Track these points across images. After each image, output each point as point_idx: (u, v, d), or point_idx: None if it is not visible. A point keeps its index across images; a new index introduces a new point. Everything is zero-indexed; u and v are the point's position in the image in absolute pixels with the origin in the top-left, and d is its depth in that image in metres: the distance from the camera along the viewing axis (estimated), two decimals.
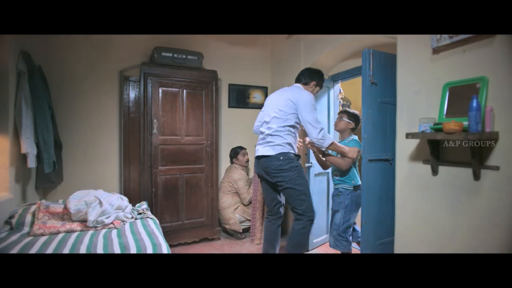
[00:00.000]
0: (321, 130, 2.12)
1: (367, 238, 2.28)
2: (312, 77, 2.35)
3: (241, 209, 3.35)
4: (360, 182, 2.35)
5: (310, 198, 2.20)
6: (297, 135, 2.26)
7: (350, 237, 2.39)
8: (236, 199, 3.36)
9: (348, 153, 2.29)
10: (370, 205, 2.29)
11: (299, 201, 2.15)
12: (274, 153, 2.14)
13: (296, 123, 2.19)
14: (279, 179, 2.16)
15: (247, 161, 3.54)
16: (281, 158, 2.12)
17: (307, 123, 2.12)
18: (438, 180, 1.77)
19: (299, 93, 2.19)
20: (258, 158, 2.26)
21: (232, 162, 3.54)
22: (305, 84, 2.35)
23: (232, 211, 3.30)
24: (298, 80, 2.39)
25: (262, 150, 2.21)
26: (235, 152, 3.51)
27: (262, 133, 2.27)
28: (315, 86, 2.37)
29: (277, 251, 2.36)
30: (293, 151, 2.19)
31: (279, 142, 2.14)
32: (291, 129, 2.18)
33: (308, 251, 2.94)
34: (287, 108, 2.16)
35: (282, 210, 2.38)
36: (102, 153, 3.04)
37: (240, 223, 3.29)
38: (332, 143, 2.17)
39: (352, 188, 2.36)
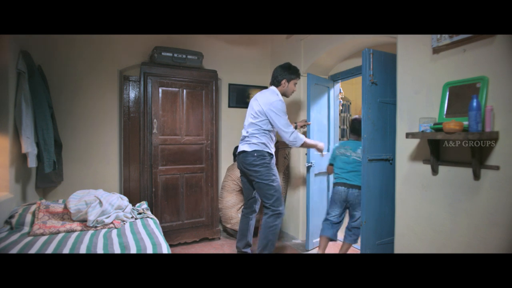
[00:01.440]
0: (292, 133, 2.37)
1: (367, 238, 2.29)
2: (281, 76, 2.48)
3: None
4: (336, 180, 2.64)
5: (279, 194, 2.40)
6: (273, 135, 2.48)
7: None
8: (240, 197, 3.34)
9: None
10: (370, 205, 2.29)
11: (268, 195, 2.37)
12: (250, 150, 2.39)
13: (271, 127, 2.42)
14: (252, 173, 2.40)
15: None
16: (255, 154, 2.37)
17: (279, 129, 2.38)
18: (438, 179, 1.77)
19: (269, 101, 2.38)
20: (238, 154, 2.51)
21: (235, 160, 3.52)
22: (277, 85, 2.50)
23: (235, 210, 3.29)
24: (271, 83, 2.55)
25: (241, 147, 2.47)
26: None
27: (242, 134, 2.53)
28: (287, 83, 2.49)
29: (249, 240, 2.60)
30: (267, 150, 2.40)
31: (254, 141, 2.39)
32: (266, 131, 2.41)
33: (309, 250, 2.94)
34: (261, 115, 2.39)
35: (256, 206, 2.61)
36: (102, 153, 3.04)
37: None
38: (303, 143, 2.43)
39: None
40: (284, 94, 2.53)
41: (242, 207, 2.67)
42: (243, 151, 2.42)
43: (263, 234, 2.38)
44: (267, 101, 2.38)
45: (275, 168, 2.43)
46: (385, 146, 2.34)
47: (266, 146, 2.40)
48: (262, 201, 2.43)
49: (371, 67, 2.24)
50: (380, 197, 2.32)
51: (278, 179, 2.42)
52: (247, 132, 2.44)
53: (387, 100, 2.32)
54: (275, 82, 2.50)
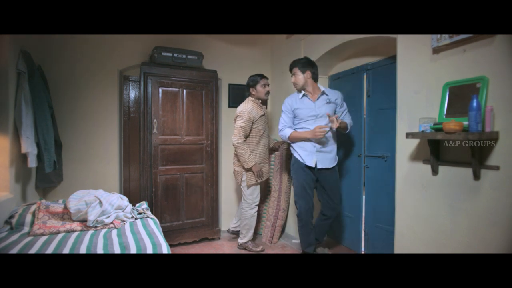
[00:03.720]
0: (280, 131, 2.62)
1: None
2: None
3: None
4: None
5: (295, 196, 2.60)
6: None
7: None
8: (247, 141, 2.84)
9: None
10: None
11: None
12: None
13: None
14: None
15: (267, 93, 2.92)
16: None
17: None
18: (438, 179, 1.78)
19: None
20: None
21: (248, 95, 2.98)
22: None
23: (245, 146, 2.80)
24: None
25: None
26: (254, 81, 2.86)
27: None
28: (304, 74, 2.50)
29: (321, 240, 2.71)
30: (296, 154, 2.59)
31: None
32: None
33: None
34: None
35: (324, 209, 2.62)
36: (102, 153, 3.04)
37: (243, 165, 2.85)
38: (289, 137, 2.55)
39: None
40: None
41: None
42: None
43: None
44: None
45: (294, 171, 2.59)
46: (380, 145, 2.52)
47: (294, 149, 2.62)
48: None
49: (368, 83, 2.63)
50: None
51: (296, 181, 2.56)
52: None
53: (383, 106, 2.49)
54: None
